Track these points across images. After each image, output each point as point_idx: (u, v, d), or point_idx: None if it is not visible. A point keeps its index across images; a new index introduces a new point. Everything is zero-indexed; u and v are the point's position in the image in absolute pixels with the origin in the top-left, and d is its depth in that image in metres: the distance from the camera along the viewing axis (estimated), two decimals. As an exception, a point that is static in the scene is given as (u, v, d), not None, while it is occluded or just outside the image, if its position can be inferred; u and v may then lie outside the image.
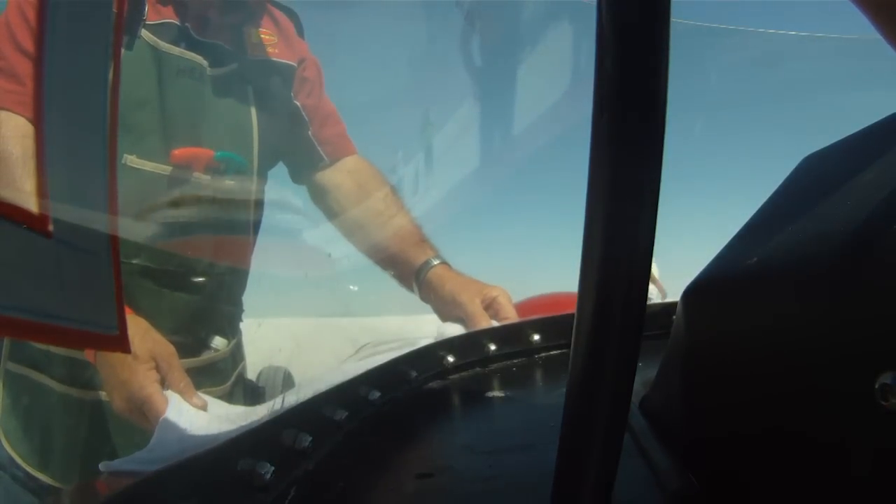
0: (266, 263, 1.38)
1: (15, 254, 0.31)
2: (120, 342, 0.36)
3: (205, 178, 1.14)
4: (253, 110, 1.22)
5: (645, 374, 0.57)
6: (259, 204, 1.27)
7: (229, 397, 1.21)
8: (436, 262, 1.25)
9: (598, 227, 0.26)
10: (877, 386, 0.30)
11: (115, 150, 0.39)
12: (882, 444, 0.31)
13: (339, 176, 1.37)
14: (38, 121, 0.37)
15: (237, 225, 1.23)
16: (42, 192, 0.33)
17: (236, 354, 1.27)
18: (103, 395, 1.08)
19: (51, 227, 0.32)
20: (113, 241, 0.37)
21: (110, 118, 0.38)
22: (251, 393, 1.29)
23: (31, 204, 0.33)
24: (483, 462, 0.55)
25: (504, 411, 0.76)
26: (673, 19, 0.26)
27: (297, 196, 1.42)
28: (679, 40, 0.27)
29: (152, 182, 1.11)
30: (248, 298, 1.35)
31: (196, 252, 1.16)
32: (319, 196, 1.38)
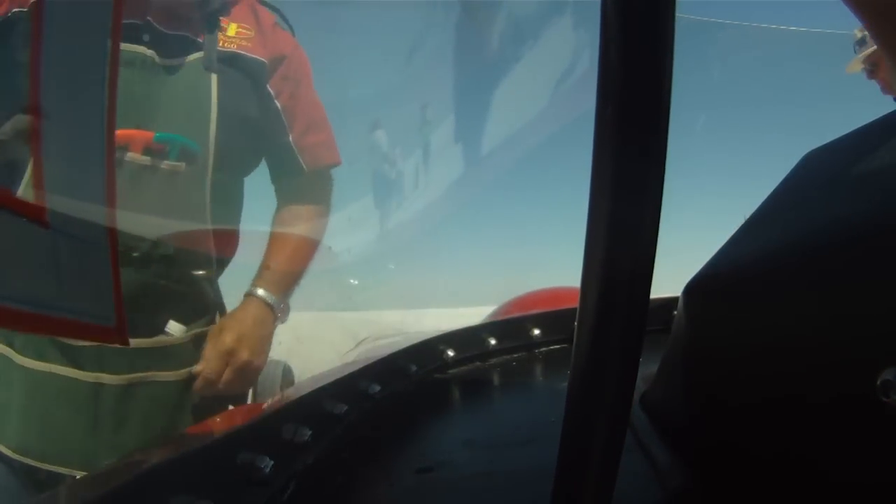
0: (250, 255, 1.39)
1: (12, 244, 0.31)
2: (117, 333, 0.36)
3: (142, 158, 1.15)
4: (213, 99, 1.22)
5: (645, 370, 0.57)
6: (217, 189, 1.26)
7: (184, 387, 1.22)
8: (257, 291, 1.30)
9: (602, 220, 0.26)
10: (878, 382, 0.30)
11: (112, 140, 0.39)
12: (883, 440, 0.31)
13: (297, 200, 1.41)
14: (35, 111, 0.36)
15: (178, 205, 1.23)
16: (39, 183, 0.33)
17: (200, 346, 1.27)
18: (70, 371, 1.13)
19: (48, 218, 0.32)
20: (111, 233, 0.37)
21: (108, 108, 0.38)
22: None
23: (28, 194, 0.32)
24: (483, 457, 0.55)
25: (504, 406, 0.76)
26: (677, 14, 0.26)
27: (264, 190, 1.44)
28: (681, 36, 0.27)
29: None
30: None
31: (132, 228, 1.16)
32: (279, 205, 1.42)
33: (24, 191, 0.36)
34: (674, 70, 0.26)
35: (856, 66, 2.40)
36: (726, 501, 0.41)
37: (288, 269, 1.34)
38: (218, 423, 0.78)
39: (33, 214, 0.32)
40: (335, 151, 1.45)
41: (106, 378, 1.14)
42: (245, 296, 1.30)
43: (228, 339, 1.22)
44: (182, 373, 1.21)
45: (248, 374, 1.25)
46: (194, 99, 1.21)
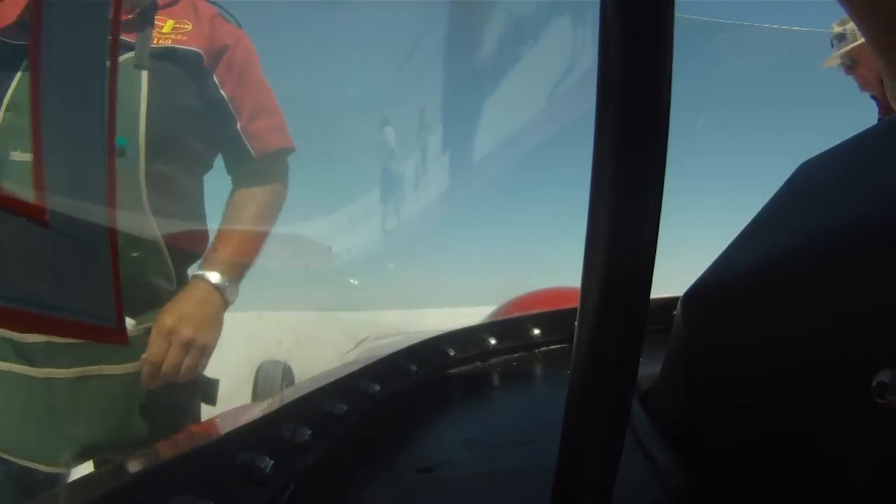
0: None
1: (12, 244, 0.31)
2: (117, 333, 0.36)
3: None
4: (143, 95, 1.24)
5: (645, 370, 0.57)
6: (156, 183, 1.26)
7: (134, 379, 1.23)
8: (201, 273, 1.29)
9: (602, 220, 0.26)
10: (874, 384, 0.30)
11: (113, 141, 0.39)
12: (879, 441, 0.31)
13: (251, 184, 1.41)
14: (36, 112, 0.36)
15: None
16: (39, 183, 0.33)
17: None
18: (24, 368, 1.17)
19: (48, 218, 0.32)
20: (111, 233, 0.37)
21: (108, 110, 0.38)
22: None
23: (28, 194, 0.32)
24: (483, 457, 0.55)
25: (504, 406, 0.76)
26: (676, 14, 0.26)
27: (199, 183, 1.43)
28: (681, 36, 0.27)
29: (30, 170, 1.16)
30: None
31: None
32: (231, 191, 1.42)
33: (22, 190, 0.36)
34: (674, 70, 0.26)
35: (833, 61, 2.40)
36: (725, 502, 0.41)
37: (236, 251, 1.34)
38: (218, 423, 0.78)
39: (33, 214, 0.32)
40: (286, 136, 1.45)
41: (56, 373, 1.17)
42: (191, 278, 1.31)
43: (168, 319, 1.21)
44: (131, 366, 1.23)
45: (194, 351, 1.23)
46: (123, 96, 1.23)
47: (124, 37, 1.24)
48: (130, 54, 1.24)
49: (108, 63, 0.40)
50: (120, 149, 1.20)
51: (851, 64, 2.33)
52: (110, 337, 0.36)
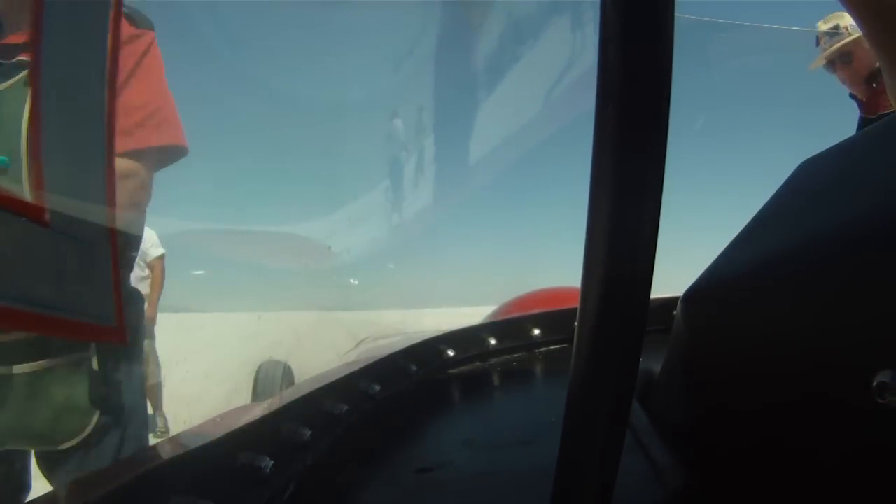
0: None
1: (12, 244, 0.31)
2: (117, 334, 0.36)
3: None
4: (25, 111, 1.26)
5: (644, 369, 0.57)
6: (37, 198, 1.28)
7: (28, 379, 1.23)
8: None
9: (602, 220, 0.26)
10: (874, 384, 0.30)
11: (113, 143, 0.39)
12: (879, 441, 0.31)
13: None
14: (35, 114, 0.36)
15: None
16: (39, 184, 0.33)
17: (41, 345, 1.28)
18: None
19: (48, 218, 0.32)
20: (111, 234, 0.37)
21: (108, 112, 0.38)
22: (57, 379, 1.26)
23: (28, 195, 0.32)
24: (483, 457, 0.55)
25: (504, 406, 0.76)
26: (677, 14, 0.26)
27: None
28: (681, 36, 0.27)
29: None
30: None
31: None
32: None
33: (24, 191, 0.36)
34: (673, 70, 0.26)
35: (819, 62, 2.39)
36: (726, 502, 0.41)
37: None
38: (218, 423, 0.78)
39: (33, 215, 0.32)
40: (139, 138, 1.36)
41: None
42: None
43: None
44: (33, 365, 1.24)
45: None
46: (9, 114, 1.27)
47: (22, 56, 1.29)
48: (24, 73, 1.28)
49: (107, 64, 0.40)
50: (1, 167, 1.24)
51: (847, 60, 2.32)
52: (111, 337, 0.36)
